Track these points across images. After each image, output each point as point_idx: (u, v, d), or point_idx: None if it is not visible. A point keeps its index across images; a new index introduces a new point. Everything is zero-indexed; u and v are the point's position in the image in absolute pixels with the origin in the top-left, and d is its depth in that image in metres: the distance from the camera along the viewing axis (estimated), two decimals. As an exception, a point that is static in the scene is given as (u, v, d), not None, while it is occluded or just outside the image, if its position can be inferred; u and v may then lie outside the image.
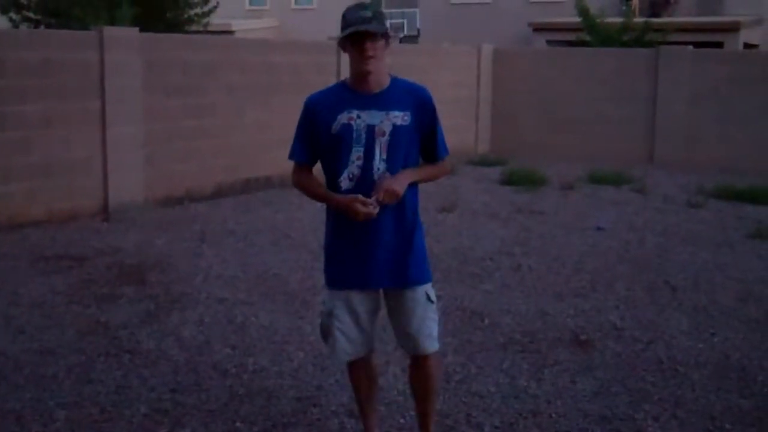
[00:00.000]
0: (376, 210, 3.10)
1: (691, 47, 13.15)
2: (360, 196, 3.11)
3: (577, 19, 17.77)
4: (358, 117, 3.16)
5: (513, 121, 14.35)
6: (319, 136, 3.22)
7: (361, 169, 3.16)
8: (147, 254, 6.97)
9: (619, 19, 17.10)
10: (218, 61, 9.62)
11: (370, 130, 3.14)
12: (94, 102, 8.26)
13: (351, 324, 3.30)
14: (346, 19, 3.10)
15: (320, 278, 6.27)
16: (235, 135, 9.85)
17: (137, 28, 9.00)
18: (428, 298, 3.27)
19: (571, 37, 18.64)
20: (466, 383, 4.35)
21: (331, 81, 10.84)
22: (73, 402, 4.09)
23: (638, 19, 16.73)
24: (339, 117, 3.17)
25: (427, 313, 3.26)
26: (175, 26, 15.30)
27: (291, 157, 3.31)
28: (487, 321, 5.38)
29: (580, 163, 12.55)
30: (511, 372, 4.54)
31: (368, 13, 3.07)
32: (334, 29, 15.81)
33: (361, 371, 3.47)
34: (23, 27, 14.18)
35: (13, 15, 14.25)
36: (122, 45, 8.48)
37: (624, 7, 20.44)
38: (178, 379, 4.38)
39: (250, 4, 28.74)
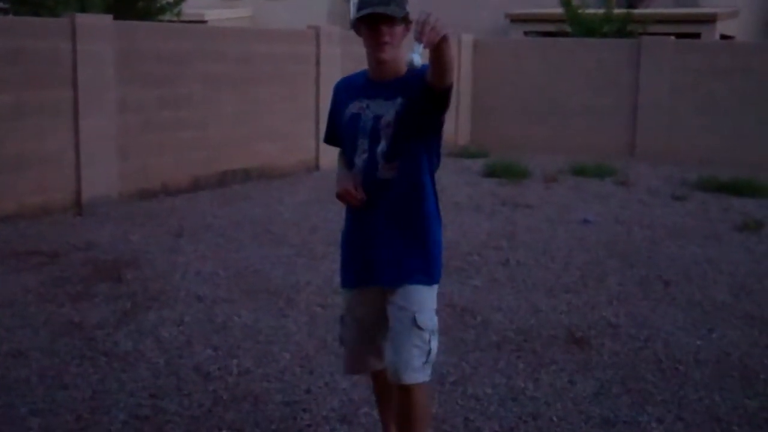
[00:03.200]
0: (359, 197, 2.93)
1: (673, 38, 13.06)
2: (359, 181, 2.92)
3: (555, 10, 17.61)
4: (367, 107, 2.92)
5: (493, 112, 14.20)
6: (339, 123, 3.04)
7: (365, 163, 2.92)
8: (122, 250, 6.71)
9: (598, 10, 16.98)
10: (194, 51, 9.34)
11: (377, 121, 2.89)
12: (65, 92, 7.95)
13: (356, 335, 3.12)
14: None
15: (303, 274, 6.13)
16: (212, 126, 9.58)
17: (111, 16, 8.70)
18: (414, 322, 2.88)
19: (549, 28, 18.49)
20: (461, 385, 4.17)
21: (311, 71, 10.86)
22: (47, 408, 3.86)
23: (619, 11, 16.60)
24: (351, 105, 2.96)
25: (412, 338, 2.88)
26: (147, 15, 14.95)
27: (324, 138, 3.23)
28: (478, 318, 5.20)
29: (562, 155, 12.44)
30: (507, 372, 4.36)
31: None
32: (311, 19, 15.43)
33: (380, 382, 3.22)
34: (-9, 15, 13.77)
35: (-20, 3, 13.83)
36: (95, 33, 8.18)
37: (601, -2, 20.32)
38: (158, 383, 4.16)
39: (224, -7, 28.27)
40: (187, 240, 7.10)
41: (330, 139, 3.17)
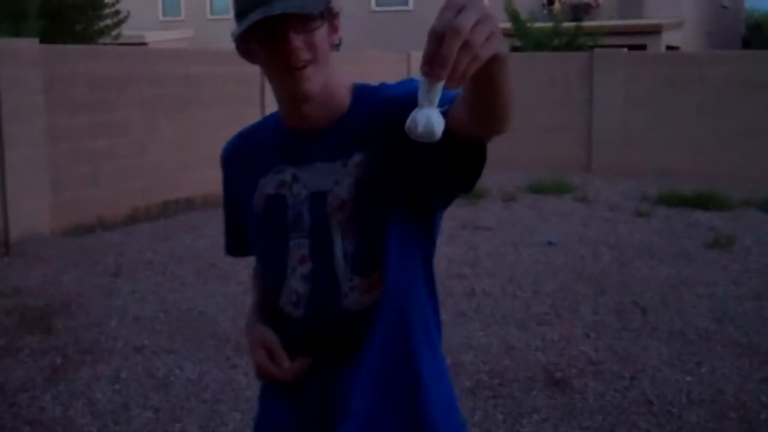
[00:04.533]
0: (291, 372, 1.64)
1: (625, 50, 12.87)
2: (272, 340, 1.65)
3: (503, 25, 17.42)
4: (294, 180, 1.62)
5: (445, 130, 13.81)
6: (244, 216, 1.73)
7: (309, 282, 1.60)
8: (53, 295, 6.11)
9: (545, 24, 16.82)
10: (129, 74, 8.78)
11: (319, 202, 1.58)
12: (-12, 122, 7.34)
13: None
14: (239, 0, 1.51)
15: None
16: (150, 154, 9.01)
17: (37, 40, 8.10)
18: None
19: (497, 42, 18.29)
20: (435, 444, 3.69)
21: (254, 93, 10.33)
22: (-46, 497, 3.29)
23: (568, 24, 16.46)
24: (262, 183, 1.66)
25: None
26: (85, 39, 14.38)
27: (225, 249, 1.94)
28: (449, 359, 4.74)
29: (517, 171, 12.06)
30: (485, 425, 3.91)
31: None
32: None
33: None
34: None
35: None
36: (20, 58, 7.58)
37: (545, 12, 20.23)
38: (89, 457, 3.62)
39: (164, 14, 27.62)
40: (125, 280, 6.51)
41: (235, 247, 1.87)
